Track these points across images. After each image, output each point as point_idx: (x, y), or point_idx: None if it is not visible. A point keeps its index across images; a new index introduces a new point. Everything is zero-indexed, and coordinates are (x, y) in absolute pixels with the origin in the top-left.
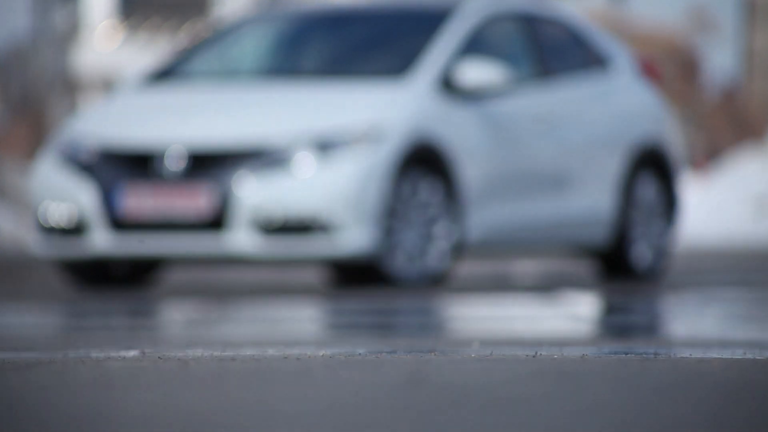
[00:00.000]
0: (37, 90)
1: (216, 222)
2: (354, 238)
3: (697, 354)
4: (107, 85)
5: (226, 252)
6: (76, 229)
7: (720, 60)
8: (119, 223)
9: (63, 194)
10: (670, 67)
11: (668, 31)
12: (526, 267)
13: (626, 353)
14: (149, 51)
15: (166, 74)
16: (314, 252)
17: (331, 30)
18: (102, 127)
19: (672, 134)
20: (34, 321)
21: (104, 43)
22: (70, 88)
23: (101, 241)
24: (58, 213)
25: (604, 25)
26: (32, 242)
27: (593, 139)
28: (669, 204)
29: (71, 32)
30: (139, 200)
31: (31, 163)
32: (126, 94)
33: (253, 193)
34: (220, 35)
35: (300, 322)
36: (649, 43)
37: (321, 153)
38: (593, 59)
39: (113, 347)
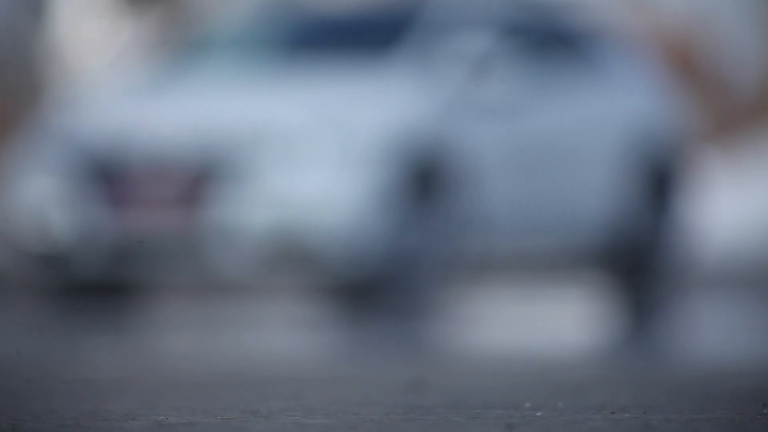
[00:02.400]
0: (7, 75)
1: (215, 235)
2: (361, 248)
3: (713, 362)
4: (89, 67)
5: (223, 270)
6: (59, 253)
7: (743, 48)
8: (108, 242)
9: (45, 211)
10: (692, 57)
11: (689, 20)
12: (533, 273)
13: (630, 355)
14: (130, 29)
15: (160, 74)
16: (317, 262)
17: (332, 31)
18: (92, 134)
19: (677, 131)
20: (13, 335)
21: (83, 21)
22: (43, 73)
23: (85, 263)
24: (37, 232)
25: (620, 15)
26: (9, 265)
27: (597, 143)
28: (677, 202)
29: (45, 8)
30: (132, 214)
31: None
32: (113, 98)
33: (254, 204)
34: (216, 33)
35: (301, 326)
36: (670, 32)
37: (325, 157)
38: (594, 61)
39: (98, 365)
